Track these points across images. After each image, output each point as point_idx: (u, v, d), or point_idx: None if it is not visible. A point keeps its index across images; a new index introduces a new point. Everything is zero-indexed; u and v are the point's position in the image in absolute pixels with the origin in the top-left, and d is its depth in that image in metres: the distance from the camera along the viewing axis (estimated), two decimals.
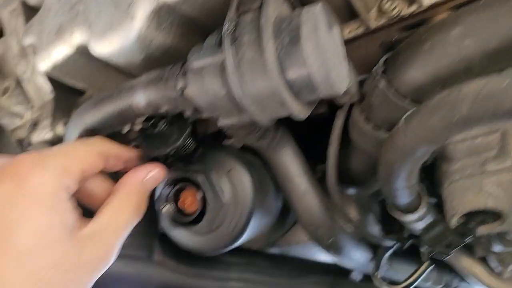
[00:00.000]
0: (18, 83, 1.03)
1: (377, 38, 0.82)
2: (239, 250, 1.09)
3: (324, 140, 1.05)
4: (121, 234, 0.63)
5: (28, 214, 0.52)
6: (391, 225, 1.19)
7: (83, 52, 0.85)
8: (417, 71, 0.66)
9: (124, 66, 0.85)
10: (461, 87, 0.57)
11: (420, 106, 0.62)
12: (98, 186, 0.67)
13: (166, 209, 0.80)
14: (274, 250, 1.16)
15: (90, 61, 0.88)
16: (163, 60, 0.84)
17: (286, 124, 0.88)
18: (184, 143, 0.73)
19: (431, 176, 0.94)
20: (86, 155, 0.62)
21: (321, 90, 0.65)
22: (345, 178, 0.94)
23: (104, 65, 0.90)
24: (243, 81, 0.65)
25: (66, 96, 1.03)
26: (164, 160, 0.74)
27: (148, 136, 0.75)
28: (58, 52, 0.85)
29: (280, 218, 0.97)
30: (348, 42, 0.82)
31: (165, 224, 0.83)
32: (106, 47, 0.78)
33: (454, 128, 0.58)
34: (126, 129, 1.05)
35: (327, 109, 0.97)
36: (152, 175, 0.70)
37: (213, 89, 0.68)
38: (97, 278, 0.59)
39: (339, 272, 1.15)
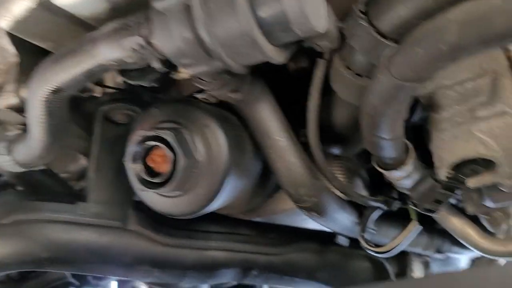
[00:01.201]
0: None
1: None
2: (220, 218, 1.05)
3: (306, 101, 0.99)
4: None
5: None
6: (380, 191, 1.15)
7: (45, 5, 0.78)
8: (401, 4, 0.61)
9: (90, 17, 0.78)
10: (446, 13, 0.51)
11: (405, 39, 0.57)
12: None
13: (135, 169, 0.75)
14: (258, 219, 1.11)
15: (54, 16, 0.81)
16: (129, 11, 0.77)
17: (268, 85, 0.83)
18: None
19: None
20: None
21: (295, 27, 0.60)
22: (329, 136, 0.89)
23: (69, 20, 0.83)
24: (210, 22, 0.59)
25: (32, 59, 0.97)
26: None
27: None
28: (19, 6, 0.79)
29: (260, 182, 0.92)
30: None
31: (136, 185, 0.77)
32: None
33: (441, 59, 0.53)
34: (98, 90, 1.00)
35: (308, 63, 0.92)
36: None
37: (180, 33, 0.62)
38: None
39: (326, 239, 1.10)
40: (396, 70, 0.58)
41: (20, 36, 0.87)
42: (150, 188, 0.73)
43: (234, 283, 1.17)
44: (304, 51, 0.86)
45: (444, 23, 0.51)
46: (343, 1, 0.77)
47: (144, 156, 0.75)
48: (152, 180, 0.73)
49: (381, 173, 1.13)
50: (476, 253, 1.18)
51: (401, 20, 0.62)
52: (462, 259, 1.27)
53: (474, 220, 0.96)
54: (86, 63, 0.72)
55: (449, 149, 0.71)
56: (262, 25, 0.60)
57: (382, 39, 0.64)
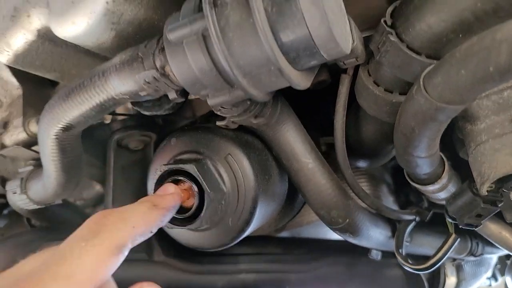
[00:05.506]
0: None
1: None
2: (247, 239, 1.01)
3: (326, 108, 0.95)
4: None
5: None
6: (407, 194, 1.11)
7: (46, 36, 0.74)
8: (434, 17, 0.56)
9: (95, 47, 0.74)
10: (495, 31, 0.47)
11: (444, 58, 0.52)
12: None
13: None
14: (284, 234, 1.08)
15: (56, 46, 0.77)
16: (138, 37, 0.73)
17: (284, 95, 0.78)
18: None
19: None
20: (97, 269, 0.44)
21: (323, 52, 0.55)
22: (355, 150, 0.84)
23: (74, 50, 0.80)
24: (230, 50, 0.55)
25: (37, 90, 0.93)
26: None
27: None
28: (17, 39, 0.75)
29: (287, 202, 0.88)
30: None
31: None
32: (69, 28, 0.67)
33: (488, 81, 0.48)
34: (109, 118, 0.96)
35: (328, 76, 0.87)
36: None
37: (197, 63, 0.58)
38: None
39: (356, 250, 1.07)
40: (436, 92, 0.54)
41: (23, 69, 0.82)
42: (177, 226, 0.69)
43: None
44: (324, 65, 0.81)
45: (493, 42, 0.46)
46: (366, 11, 0.72)
47: None
48: (178, 217, 0.69)
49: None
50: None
51: (434, 33, 0.58)
52: (494, 258, 1.23)
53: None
54: (97, 98, 0.68)
55: (490, 163, 0.66)
56: (287, 51, 0.56)
57: (415, 55, 0.60)
